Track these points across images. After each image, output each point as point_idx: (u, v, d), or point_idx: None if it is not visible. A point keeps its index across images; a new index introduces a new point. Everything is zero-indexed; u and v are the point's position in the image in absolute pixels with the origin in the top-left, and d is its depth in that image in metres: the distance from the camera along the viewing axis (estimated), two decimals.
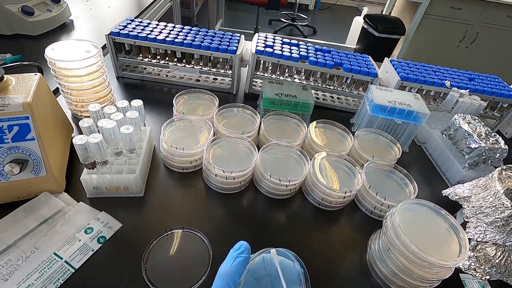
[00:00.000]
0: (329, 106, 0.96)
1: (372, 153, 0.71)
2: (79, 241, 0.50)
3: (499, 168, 0.53)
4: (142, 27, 0.88)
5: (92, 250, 0.50)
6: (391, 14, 3.27)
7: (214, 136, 0.67)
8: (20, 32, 1.03)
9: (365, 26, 2.93)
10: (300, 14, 4.25)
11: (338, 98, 0.99)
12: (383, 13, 3.34)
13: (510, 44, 2.83)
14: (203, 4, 3.88)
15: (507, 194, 0.48)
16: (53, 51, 0.65)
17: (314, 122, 0.76)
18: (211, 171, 0.61)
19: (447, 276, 0.47)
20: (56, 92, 0.80)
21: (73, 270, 0.47)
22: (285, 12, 4.23)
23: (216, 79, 0.98)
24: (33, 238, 0.49)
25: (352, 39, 3.43)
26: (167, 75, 0.95)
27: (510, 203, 0.47)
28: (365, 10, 3.47)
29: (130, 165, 0.59)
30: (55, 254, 0.48)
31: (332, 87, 0.92)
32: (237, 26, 3.82)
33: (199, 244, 0.53)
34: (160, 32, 0.88)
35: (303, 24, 4.11)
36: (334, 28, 4.40)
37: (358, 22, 3.35)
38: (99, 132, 0.53)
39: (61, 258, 0.47)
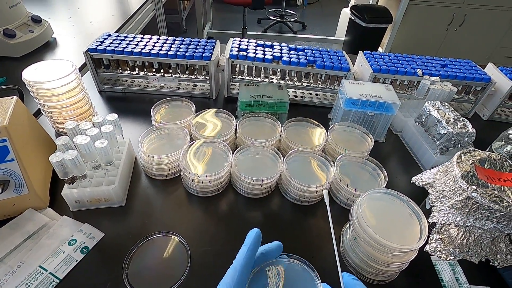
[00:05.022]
0: (308, 103, 0.98)
1: (347, 146, 0.73)
2: (63, 253, 0.53)
3: (459, 153, 0.55)
4: (118, 41, 0.91)
5: (76, 261, 0.52)
6: (378, 3, 3.27)
7: (191, 142, 0.70)
8: (4, 54, 1.06)
9: (352, 17, 2.94)
10: (288, 10, 4.27)
11: (316, 94, 1.01)
12: (370, 2, 3.34)
13: (498, 23, 2.82)
14: (191, 8, 3.90)
15: (464, 177, 0.50)
16: (31, 73, 0.67)
17: (286, 122, 0.78)
18: (187, 176, 0.63)
19: (411, 259, 0.49)
20: (40, 112, 0.83)
21: (58, 281, 0.49)
22: (273, 9, 4.24)
23: (196, 85, 1.00)
24: (19, 253, 0.52)
25: (341, 32, 3.43)
26: (147, 86, 0.97)
27: (467, 186, 0.49)
28: (352, 1, 3.47)
29: (109, 177, 0.61)
30: (40, 267, 0.50)
31: (308, 84, 0.95)
32: (226, 27, 3.84)
33: (178, 247, 0.56)
34: (137, 45, 0.90)
35: (292, 20, 4.12)
36: (323, 21, 4.41)
37: (346, 14, 3.35)
38: (76, 148, 0.56)
39: (46, 270, 0.50)
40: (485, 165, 0.53)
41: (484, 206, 0.47)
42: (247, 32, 3.35)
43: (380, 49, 3.10)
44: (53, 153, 0.54)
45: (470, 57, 1.03)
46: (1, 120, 0.53)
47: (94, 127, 0.61)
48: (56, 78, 0.67)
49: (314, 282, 0.39)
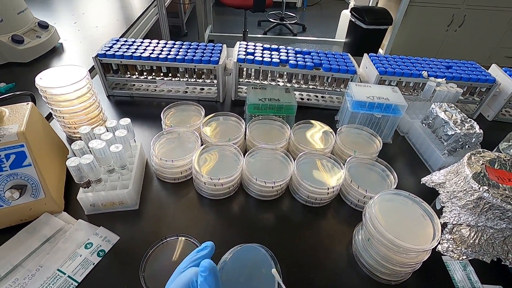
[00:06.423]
0: (314, 106, 0.99)
1: (355, 148, 0.74)
2: (80, 256, 0.53)
3: (469, 154, 0.56)
4: (127, 46, 0.92)
5: (93, 264, 0.53)
6: (378, 5, 3.29)
7: (202, 145, 0.70)
8: (12, 60, 1.07)
9: (353, 19, 2.96)
10: (288, 13, 4.28)
11: (322, 97, 1.02)
12: (370, 4, 3.36)
13: (498, 23, 2.84)
14: (192, 12, 3.92)
15: (475, 178, 0.51)
16: (43, 79, 0.68)
17: (295, 125, 0.79)
18: (200, 179, 0.64)
19: (425, 259, 0.50)
20: (50, 116, 0.84)
21: (76, 284, 0.50)
22: (273, 12, 4.26)
23: (203, 89, 1.01)
24: (37, 257, 0.52)
25: (341, 33, 3.46)
26: (155, 90, 0.98)
27: (478, 186, 0.50)
28: (352, 3, 3.49)
29: (123, 181, 0.62)
30: (58, 270, 0.51)
31: (314, 87, 0.96)
32: (227, 30, 3.86)
33: (192, 249, 0.56)
34: (145, 50, 0.91)
35: (292, 22, 4.13)
36: (323, 23, 4.42)
37: (346, 16, 3.37)
38: (91, 153, 0.57)
39: (64, 274, 0.51)
40: (495, 166, 0.53)
41: (496, 206, 0.48)
42: (248, 35, 3.36)
43: (380, 51, 3.12)
44: (68, 158, 0.54)
45: (470, 58, 1.05)
46: (19, 126, 0.54)
47: (108, 131, 0.62)
48: (69, 83, 0.68)
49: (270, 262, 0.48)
